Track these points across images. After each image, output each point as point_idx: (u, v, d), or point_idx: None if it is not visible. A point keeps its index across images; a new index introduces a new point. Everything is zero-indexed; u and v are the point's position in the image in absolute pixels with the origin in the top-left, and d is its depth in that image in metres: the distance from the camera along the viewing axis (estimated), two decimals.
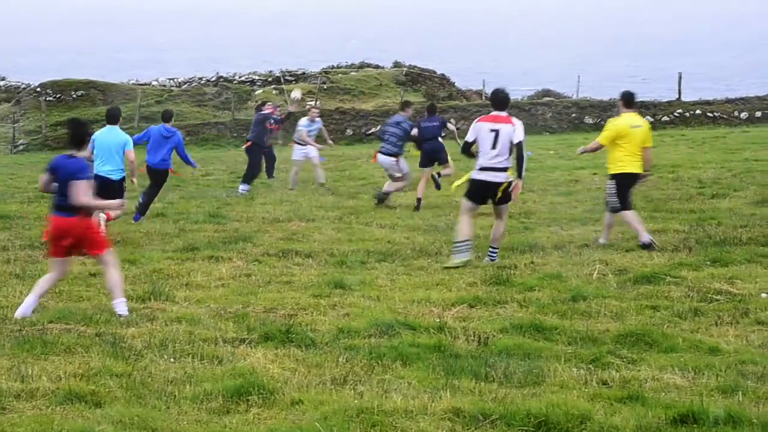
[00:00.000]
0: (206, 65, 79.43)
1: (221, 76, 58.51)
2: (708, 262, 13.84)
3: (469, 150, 14.45)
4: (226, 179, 29.40)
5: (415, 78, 56.06)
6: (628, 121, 15.74)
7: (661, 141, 36.15)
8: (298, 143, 26.14)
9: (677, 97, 46.69)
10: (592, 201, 20.59)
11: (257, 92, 52.63)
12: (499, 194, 14.23)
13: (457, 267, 14.03)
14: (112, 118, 17.96)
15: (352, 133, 45.51)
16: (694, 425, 7.36)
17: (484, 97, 48.41)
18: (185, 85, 56.90)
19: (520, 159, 14.05)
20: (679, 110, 45.11)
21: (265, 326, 10.62)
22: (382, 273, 13.95)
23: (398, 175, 21.60)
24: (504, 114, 14.19)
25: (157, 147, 19.86)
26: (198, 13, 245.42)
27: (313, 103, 49.27)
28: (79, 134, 11.58)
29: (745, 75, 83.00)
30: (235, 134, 45.17)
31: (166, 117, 20.49)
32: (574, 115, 44.58)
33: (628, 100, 16.05)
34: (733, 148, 32.38)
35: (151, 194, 20.15)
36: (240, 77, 58.13)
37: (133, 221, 19.39)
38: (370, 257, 15.19)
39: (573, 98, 47.74)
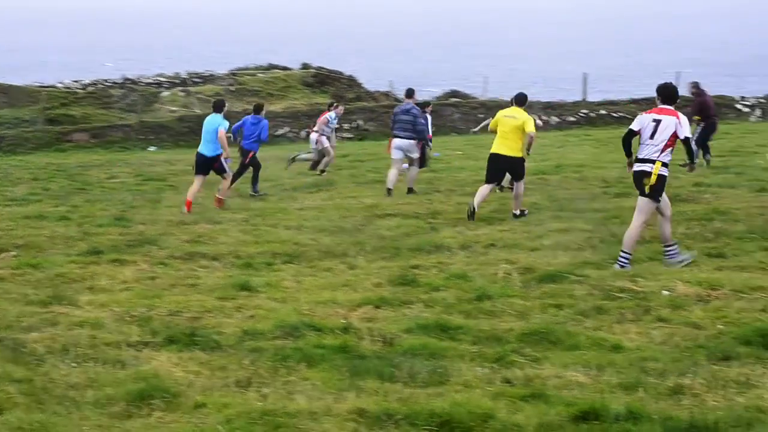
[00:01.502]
0: (110, 68, 78.39)
1: (127, 78, 57.86)
2: (611, 261, 14.00)
3: (629, 139, 14.20)
4: (132, 182, 29.10)
5: (323, 79, 55.93)
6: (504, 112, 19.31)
7: (567, 141, 36.55)
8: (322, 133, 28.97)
9: (582, 97, 47.21)
10: (498, 201, 20.71)
11: (164, 94, 52.14)
12: (647, 185, 13.92)
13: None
14: (217, 107, 21.85)
15: None
16: (596, 422, 7.44)
17: (392, 99, 48.45)
18: (91, 87, 56.14)
19: (690, 153, 14.14)
20: (585, 110, 45.60)
21: (170, 329, 10.53)
22: (289, 274, 13.92)
23: (416, 155, 23.02)
24: (671, 108, 13.95)
25: (248, 133, 24.10)
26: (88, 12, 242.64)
27: None
28: None
29: (646, 75, 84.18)
30: (141, 136, 44.64)
31: (257, 109, 24.58)
32: (481, 115, 44.54)
33: (516, 99, 19.47)
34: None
35: (239, 172, 24.44)
36: (146, 79, 57.53)
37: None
38: (276, 259, 15.15)
39: (480, 99, 47.96)
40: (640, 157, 13.94)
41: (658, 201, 14.03)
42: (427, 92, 48.50)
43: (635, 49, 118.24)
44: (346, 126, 43.43)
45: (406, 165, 23.70)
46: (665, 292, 11.95)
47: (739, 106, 45.83)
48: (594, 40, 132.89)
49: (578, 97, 47.66)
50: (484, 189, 19.10)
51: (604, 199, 20.54)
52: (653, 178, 13.78)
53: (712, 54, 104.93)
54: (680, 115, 13.83)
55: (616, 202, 19.98)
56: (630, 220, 17.36)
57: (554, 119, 44.77)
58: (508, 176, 19.92)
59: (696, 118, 26.29)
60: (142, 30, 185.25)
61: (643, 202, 14.06)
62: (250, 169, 24.77)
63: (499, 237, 16.39)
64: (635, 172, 14.04)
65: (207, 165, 21.60)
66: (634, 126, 14.04)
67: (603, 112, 45.88)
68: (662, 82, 14.44)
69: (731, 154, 29.10)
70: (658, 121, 13.74)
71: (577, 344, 9.79)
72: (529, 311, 11.31)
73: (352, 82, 57.38)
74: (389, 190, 22.69)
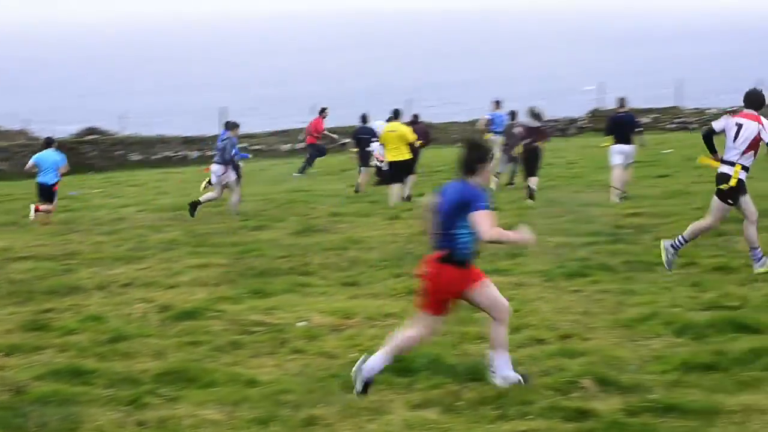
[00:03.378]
0: None
1: None
2: (248, 295, 14.09)
3: (709, 137, 14.44)
4: None
5: None
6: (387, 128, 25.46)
7: (208, 175, 36.51)
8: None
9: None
10: (137, 239, 20.41)
11: None
12: (725, 187, 14.22)
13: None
14: (48, 144, 25.95)
15: None
16: None
17: (28, 137, 46.87)
18: None
19: None
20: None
21: None
22: None
23: (231, 180, 24.44)
24: (755, 113, 14.21)
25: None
26: None
27: None
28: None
29: (293, 106, 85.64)
30: None
31: (229, 126, 25.79)
32: (120, 152, 44.12)
33: (393, 113, 26.12)
34: (276, 180, 33.24)
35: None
36: None
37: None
38: None
39: (119, 135, 47.18)
40: (725, 159, 14.41)
41: (729, 204, 14.45)
42: (61, 129, 47.31)
43: (282, 80, 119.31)
44: None
45: None
46: (301, 324, 12.12)
47: None
48: (238, 71, 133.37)
49: (217, 131, 47.76)
50: (395, 188, 24.74)
51: (243, 233, 20.65)
52: (732, 181, 14.21)
53: (377, 81, 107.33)
54: (763, 119, 14.23)
55: (254, 236, 20.15)
56: (267, 252, 17.69)
57: (195, 153, 44.62)
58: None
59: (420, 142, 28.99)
60: None
61: (715, 204, 14.55)
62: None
63: (136, 275, 16.13)
64: (718, 173, 14.49)
65: (49, 191, 24.94)
66: (716, 125, 14.55)
67: (243, 144, 46.08)
68: (751, 88, 14.92)
69: (366, 184, 29.98)
70: (740, 125, 14.23)
71: (213, 381, 9.76)
72: (166, 350, 11.19)
73: None
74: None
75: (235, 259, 17.25)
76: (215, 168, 24.70)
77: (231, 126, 25.39)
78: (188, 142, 45.81)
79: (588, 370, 9.58)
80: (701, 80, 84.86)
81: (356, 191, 27.71)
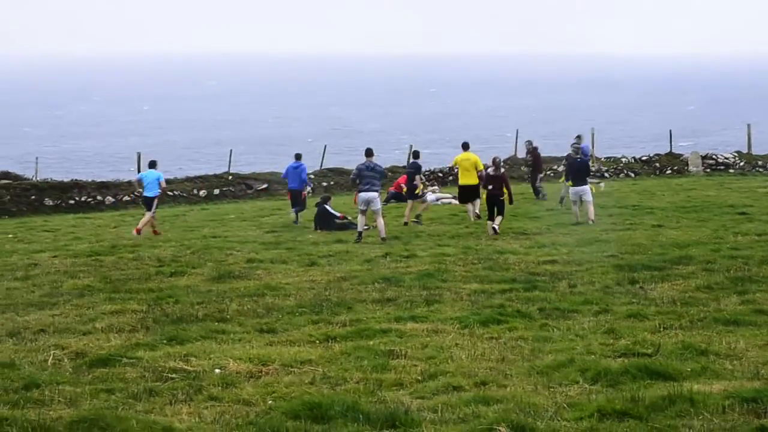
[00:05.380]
0: None
1: None
2: (164, 341, 13.97)
3: None
4: None
5: None
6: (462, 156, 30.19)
7: (123, 221, 36.24)
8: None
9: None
10: (50, 285, 20.12)
11: None
12: None
13: None
14: (152, 165, 31.40)
15: None
16: None
17: None
18: None
19: None
20: (140, 190, 45.25)
21: None
22: None
23: (377, 207, 26.85)
24: None
25: (291, 177, 32.71)
26: None
27: None
28: None
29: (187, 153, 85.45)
30: None
31: (297, 157, 33.26)
32: (33, 197, 43.56)
33: (464, 145, 30.59)
34: (192, 226, 33.02)
35: (297, 209, 32.21)
36: None
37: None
38: None
39: (33, 180, 46.57)
40: None
41: None
42: None
43: (190, 126, 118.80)
44: None
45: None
46: (217, 371, 12.05)
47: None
48: (145, 116, 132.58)
49: (127, 177, 47.45)
50: (469, 206, 29.98)
51: (159, 279, 20.44)
52: None
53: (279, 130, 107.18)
54: None
55: (170, 282, 19.95)
56: (183, 298, 17.53)
57: (109, 199, 44.22)
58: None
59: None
60: None
61: None
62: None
63: (50, 322, 15.90)
64: None
65: (150, 202, 30.50)
66: None
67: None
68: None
69: (283, 230, 29.95)
70: None
71: (127, 429, 9.66)
72: (80, 397, 11.05)
73: None
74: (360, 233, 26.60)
75: (151, 305, 17.08)
76: (368, 196, 26.65)
77: (368, 153, 27.32)
78: (103, 187, 45.35)
79: (504, 417, 9.62)
80: (606, 130, 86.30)
81: (405, 223, 30.05)
